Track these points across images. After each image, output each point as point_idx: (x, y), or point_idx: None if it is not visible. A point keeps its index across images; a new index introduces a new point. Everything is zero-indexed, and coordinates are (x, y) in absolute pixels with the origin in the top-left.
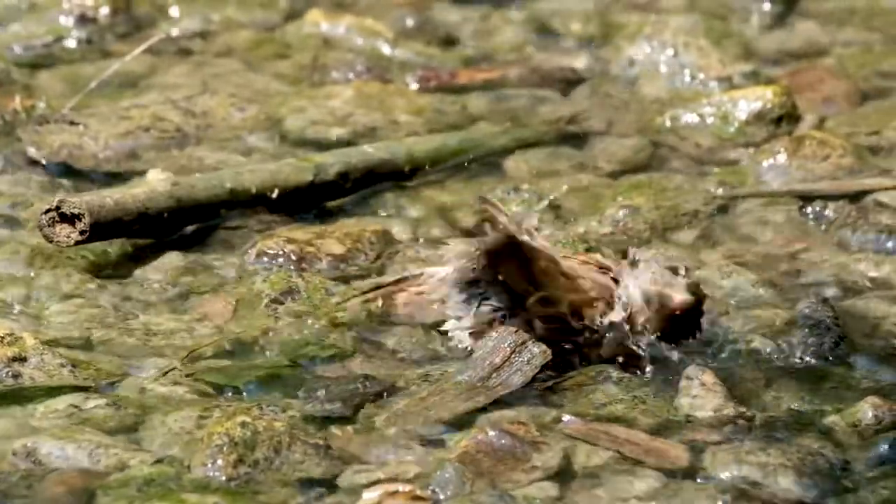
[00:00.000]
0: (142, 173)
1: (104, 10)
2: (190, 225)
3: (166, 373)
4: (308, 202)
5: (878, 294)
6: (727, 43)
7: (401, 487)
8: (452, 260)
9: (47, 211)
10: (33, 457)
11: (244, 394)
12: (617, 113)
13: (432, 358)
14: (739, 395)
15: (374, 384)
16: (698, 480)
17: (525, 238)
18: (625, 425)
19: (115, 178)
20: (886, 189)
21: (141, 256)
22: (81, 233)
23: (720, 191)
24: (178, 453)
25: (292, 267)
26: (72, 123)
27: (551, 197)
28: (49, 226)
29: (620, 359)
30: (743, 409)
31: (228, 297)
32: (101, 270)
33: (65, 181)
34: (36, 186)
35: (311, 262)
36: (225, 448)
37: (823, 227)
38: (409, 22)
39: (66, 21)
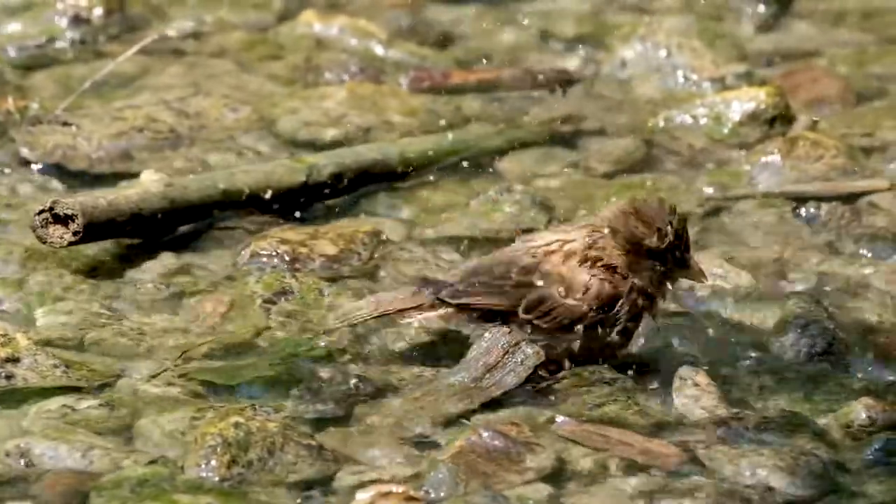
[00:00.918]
0: (135, 174)
1: (98, 11)
2: (183, 226)
3: (159, 373)
4: (301, 203)
5: (872, 295)
6: (721, 44)
7: (394, 488)
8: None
9: (41, 212)
10: (26, 458)
11: (237, 394)
12: (610, 114)
13: (425, 359)
14: (733, 396)
15: (368, 385)
16: (692, 481)
17: None
18: (618, 426)
19: (108, 178)
20: (880, 191)
21: (134, 257)
22: (75, 234)
23: (711, 191)
24: (171, 454)
25: (285, 267)
26: (65, 124)
27: (544, 197)
28: (42, 227)
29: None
30: (736, 410)
31: (222, 297)
32: (95, 271)
33: (58, 182)
34: (29, 187)
35: (304, 262)
36: (218, 449)
37: (817, 228)
38: (403, 23)
39: (60, 22)
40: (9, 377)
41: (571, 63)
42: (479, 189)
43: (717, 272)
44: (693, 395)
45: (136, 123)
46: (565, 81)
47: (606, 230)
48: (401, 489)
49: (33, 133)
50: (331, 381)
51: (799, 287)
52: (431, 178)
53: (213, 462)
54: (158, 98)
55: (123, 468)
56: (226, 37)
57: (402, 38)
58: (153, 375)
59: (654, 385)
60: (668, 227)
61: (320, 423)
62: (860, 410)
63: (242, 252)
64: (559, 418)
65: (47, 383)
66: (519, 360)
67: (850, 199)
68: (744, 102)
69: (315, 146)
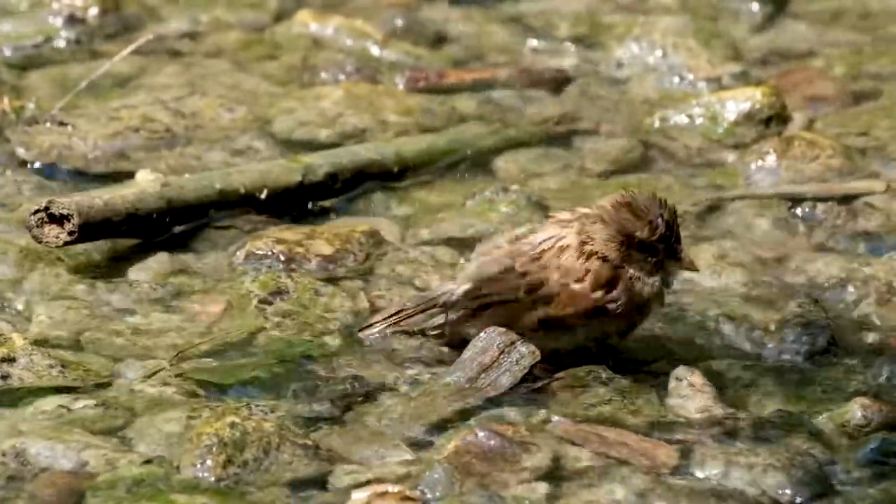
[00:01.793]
0: (131, 174)
1: (93, 11)
2: (179, 225)
3: (155, 373)
4: (297, 203)
5: (869, 295)
6: (716, 44)
7: (390, 488)
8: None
9: (36, 212)
10: (22, 457)
11: (233, 394)
12: (606, 114)
13: (421, 359)
14: (728, 396)
15: (364, 385)
16: (687, 481)
17: None
18: (614, 426)
19: (104, 178)
20: (875, 192)
21: (130, 257)
22: (70, 233)
23: (707, 191)
24: (167, 454)
25: (281, 267)
26: (61, 124)
27: (540, 197)
28: (38, 226)
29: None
30: (732, 410)
31: (217, 297)
32: (90, 271)
33: (54, 182)
34: (25, 187)
35: (300, 262)
36: (214, 448)
37: (813, 228)
38: (399, 22)
39: (56, 22)
40: (4, 377)
41: (567, 63)
42: (476, 189)
43: (713, 272)
44: (689, 395)
45: (131, 123)
46: (561, 81)
47: (598, 223)
48: (397, 489)
49: (29, 133)
50: (327, 381)
51: (795, 287)
52: (427, 177)
53: (209, 462)
54: (154, 98)
55: (119, 468)
56: (222, 36)
57: (397, 37)
58: (149, 375)
59: (650, 385)
60: (659, 220)
61: (316, 423)
62: (856, 410)
63: (238, 252)
64: (555, 418)
65: (43, 383)
66: (514, 359)
67: (845, 199)
68: (739, 102)
69: (311, 146)
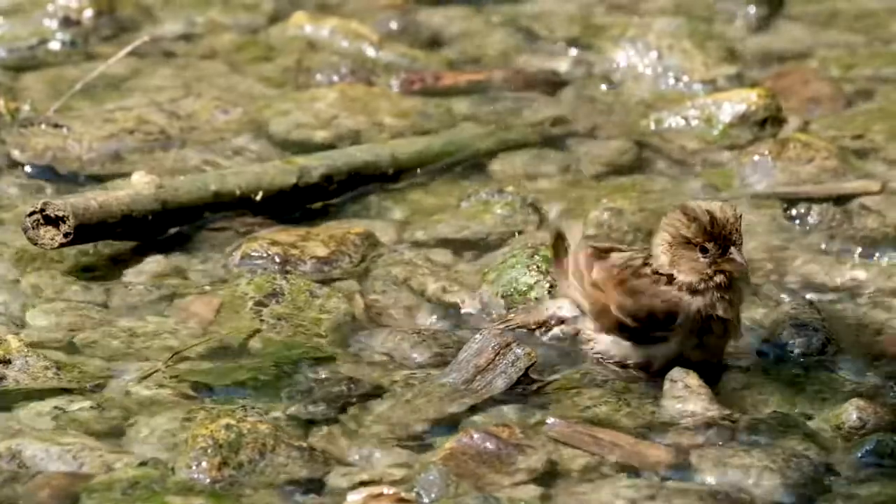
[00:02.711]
0: (126, 176)
1: (88, 13)
2: (174, 227)
3: (151, 375)
4: (292, 204)
5: (864, 297)
6: (711, 45)
7: (385, 490)
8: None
9: (31, 213)
10: (18, 459)
11: (228, 396)
12: (601, 115)
13: (417, 360)
14: (724, 398)
15: (359, 386)
16: (682, 483)
17: None
18: (609, 428)
19: (99, 180)
20: (871, 193)
21: (125, 259)
22: (66, 235)
23: (702, 193)
24: (162, 456)
25: (277, 269)
26: (56, 126)
27: (536, 199)
28: (33, 228)
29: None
30: (727, 412)
31: (213, 299)
32: (86, 273)
33: (49, 183)
34: (20, 189)
35: (295, 264)
36: (209, 450)
37: (808, 229)
38: (394, 24)
39: (51, 23)
40: (0, 379)
41: (562, 65)
42: (471, 191)
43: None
44: (684, 397)
45: (126, 125)
46: (556, 83)
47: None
48: (392, 491)
49: (24, 135)
50: (322, 383)
51: (790, 288)
52: (423, 179)
53: (204, 464)
54: (149, 100)
55: (114, 470)
56: (217, 38)
57: (392, 39)
58: (144, 377)
59: (645, 387)
60: (707, 218)
61: (311, 425)
62: (851, 412)
63: (233, 254)
64: (550, 420)
65: (38, 385)
66: (510, 361)
67: (841, 200)
68: (735, 104)
69: (306, 148)
